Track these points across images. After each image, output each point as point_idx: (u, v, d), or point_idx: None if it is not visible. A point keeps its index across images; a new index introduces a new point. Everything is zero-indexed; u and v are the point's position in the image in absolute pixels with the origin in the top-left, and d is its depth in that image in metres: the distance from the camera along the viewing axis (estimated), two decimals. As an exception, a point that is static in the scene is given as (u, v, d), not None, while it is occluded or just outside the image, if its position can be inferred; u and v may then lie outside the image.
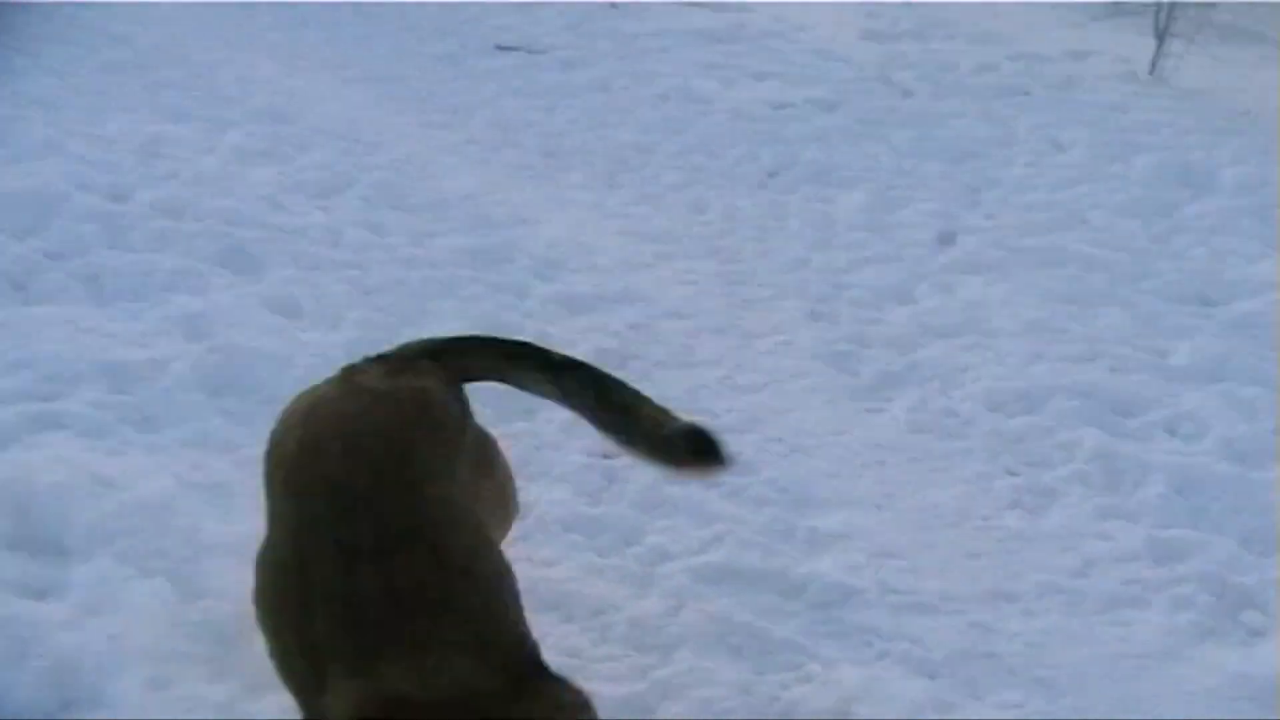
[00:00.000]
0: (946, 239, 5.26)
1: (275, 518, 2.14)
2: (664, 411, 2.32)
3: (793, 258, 5.05)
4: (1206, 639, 2.98)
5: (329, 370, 2.42)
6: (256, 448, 2.31)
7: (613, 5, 9.04)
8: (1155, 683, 2.84)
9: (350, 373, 2.34)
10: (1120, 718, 2.73)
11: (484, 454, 2.48)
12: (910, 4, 10.02)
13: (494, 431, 2.60)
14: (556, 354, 2.43)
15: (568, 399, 2.38)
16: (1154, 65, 8.44)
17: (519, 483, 2.74)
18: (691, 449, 2.26)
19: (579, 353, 3.53)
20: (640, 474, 3.29)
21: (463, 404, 2.38)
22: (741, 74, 7.60)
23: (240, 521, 2.75)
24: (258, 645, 2.13)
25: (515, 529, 2.78)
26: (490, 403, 2.60)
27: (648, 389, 2.40)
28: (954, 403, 3.99)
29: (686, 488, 3.29)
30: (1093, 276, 4.98)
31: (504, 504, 2.61)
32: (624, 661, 2.73)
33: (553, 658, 2.03)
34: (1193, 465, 3.69)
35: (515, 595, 2.09)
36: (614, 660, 2.73)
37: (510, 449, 2.71)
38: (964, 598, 3.05)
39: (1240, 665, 2.89)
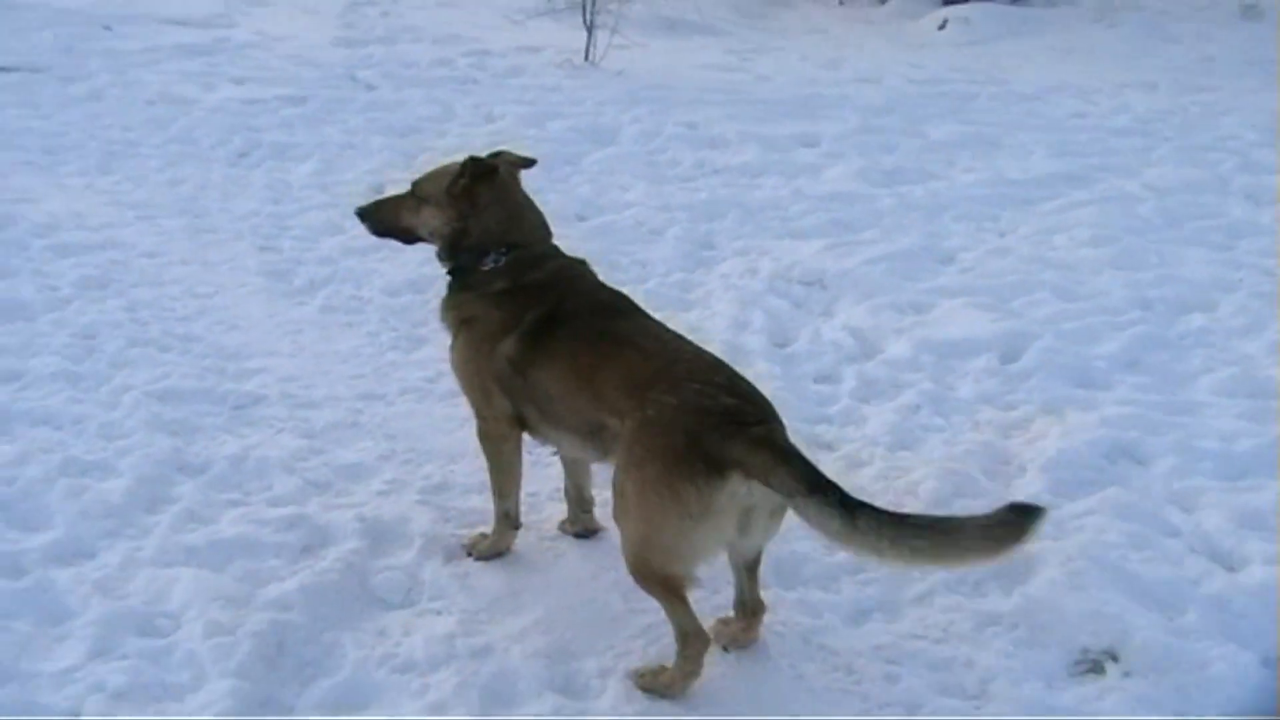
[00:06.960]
0: (376, 190, 6.65)
1: None
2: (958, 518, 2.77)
3: (249, 210, 6.38)
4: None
5: None
6: None
7: (106, 28, 10.08)
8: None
9: None
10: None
11: None
12: (385, 15, 11.50)
13: None
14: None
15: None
16: (588, 53, 10.21)
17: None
18: (1020, 517, 2.55)
19: (68, 281, 4.81)
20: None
21: None
22: (222, 79, 8.89)
23: None
24: None
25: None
26: None
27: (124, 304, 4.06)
28: (360, 293, 5.41)
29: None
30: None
31: None
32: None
33: None
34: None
35: None
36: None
37: None
38: (343, 397, 4.46)
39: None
